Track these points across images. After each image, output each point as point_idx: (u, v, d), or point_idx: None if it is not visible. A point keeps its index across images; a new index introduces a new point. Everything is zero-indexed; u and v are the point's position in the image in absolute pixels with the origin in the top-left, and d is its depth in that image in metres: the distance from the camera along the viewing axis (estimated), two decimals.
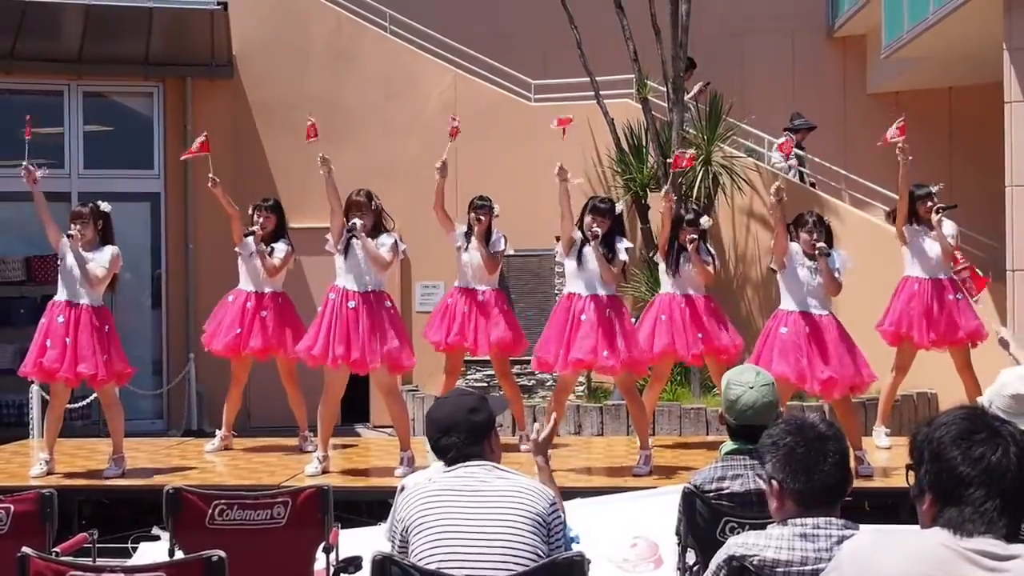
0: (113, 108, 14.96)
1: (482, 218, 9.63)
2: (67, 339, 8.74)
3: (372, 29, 15.03)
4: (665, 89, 13.30)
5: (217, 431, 10.49)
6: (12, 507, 5.33)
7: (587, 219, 8.74)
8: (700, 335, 9.58)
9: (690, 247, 9.56)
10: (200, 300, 14.10)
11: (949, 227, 9.49)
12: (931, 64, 14.03)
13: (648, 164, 13.47)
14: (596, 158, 14.16)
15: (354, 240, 8.73)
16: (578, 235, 8.81)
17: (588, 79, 13.65)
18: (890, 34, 13.94)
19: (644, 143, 13.66)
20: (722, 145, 13.46)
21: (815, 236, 8.49)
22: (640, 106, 13.55)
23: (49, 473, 8.94)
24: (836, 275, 8.43)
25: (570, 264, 8.84)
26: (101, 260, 8.86)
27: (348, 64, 14.74)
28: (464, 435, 4.04)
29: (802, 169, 14.35)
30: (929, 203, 9.41)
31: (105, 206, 9.08)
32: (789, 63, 16.28)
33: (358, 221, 8.61)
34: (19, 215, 14.62)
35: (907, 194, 9.39)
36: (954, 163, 15.07)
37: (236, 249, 10.01)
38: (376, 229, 8.77)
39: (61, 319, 8.80)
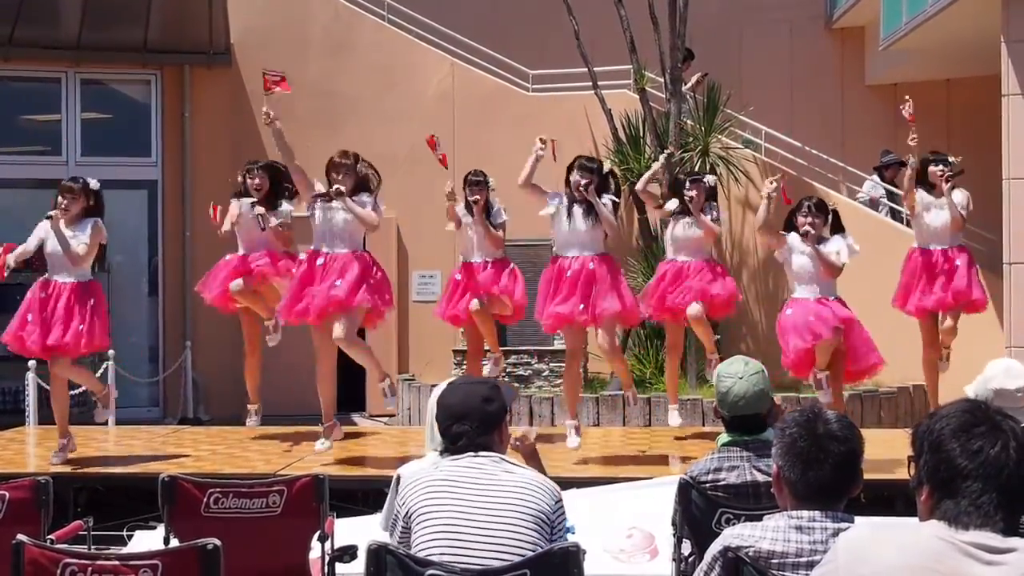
0: (111, 95, 14.94)
1: (478, 197, 9.63)
2: (43, 313, 8.71)
3: (370, 18, 15.01)
4: (663, 80, 13.29)
5: (250, 407, 10.17)
6: (7, 494, 5.32)
7: (574, 176, 8.74)
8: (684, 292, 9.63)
9: (693, 203, 9.56)
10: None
11: (959, 195, 9.47)
12: (929, 56, 14.02)
13: (645, 155, 13.45)
14: (593, 148, 14.14)
15: (320, 203, 8.63)
16: (555, 201, 8.85)
17: (586, 69, 13.64)
18: (888, 25, 13.93)
19: (642, 134, 13.65)
20: (720, 136, 13.45)
21: (809, 219, 8.48)
22: (638, 97, 13.54)
23: (67, 458, 8.90)
24: (833, 257, 8.41)
25: (559, 227, 8.85)
26: (82, 236, 8.77)
27: (346, 53, 14.72)
28: (477, 424, 4.00)
29: (893, 204, 14.13)
30: (941, 167, 9.40)
31: (94, 184, 8.96)
32: (787, 54, 16.26)
33: (341, 187, 8.53)
34: (14, 202, 14.60)
35: (912, 186, 9.42)
36: (951, 155, 15.05)
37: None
38: (356, 191, 8.67)
39: (43, 294, 8.77)
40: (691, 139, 13.21)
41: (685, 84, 13.59)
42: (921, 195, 9.51)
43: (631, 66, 13.60)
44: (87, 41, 14.03)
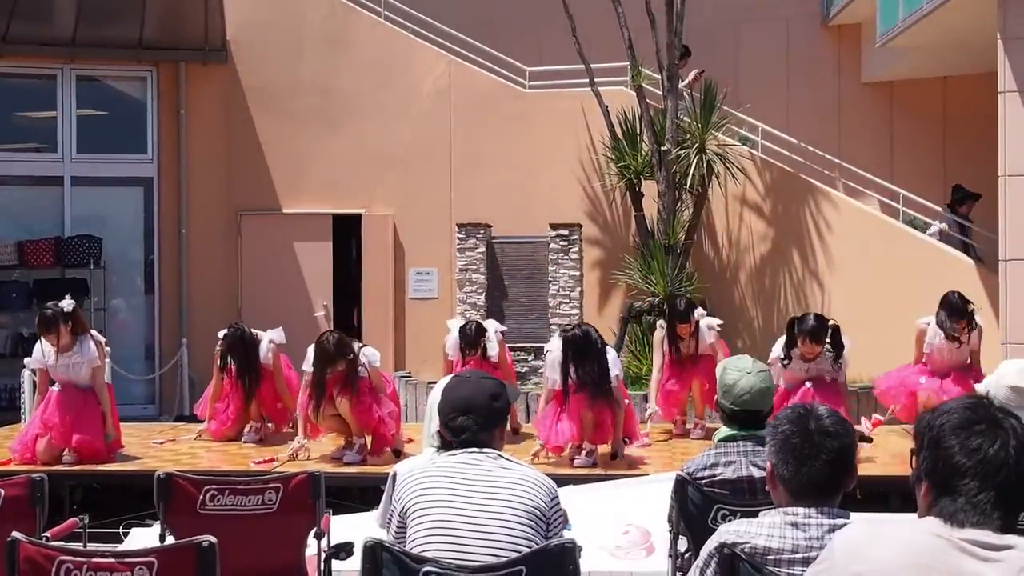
0: (106, 92, 14.91)
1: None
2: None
3: (366, 15, 14.98)
4: (660, 77, 13.28)
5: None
6: (2, 491, 5.31)
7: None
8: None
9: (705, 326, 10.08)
10: (193, 286, 14.09)
11: (975, 340, 9.43)
12: (926, 53, 14.00)
13: (642, 152, 13.45)
14: (590, 145, 14.14)
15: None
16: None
17: (583, 66, 13.62)
18: (885, 23, 13.92)
19: (639, 131, 13.63)
20: (716, 133, 13.43)
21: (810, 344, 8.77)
22: (635, 93, 13.52)
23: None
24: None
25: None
26: (90, 359, 8.90)
27: (342, 50, 14.70)
28: (481, 419, 4.00)
29: (964, 238, 13.61)
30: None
31: (67, 305, 8.86)
32: (784, 51, 16.24)
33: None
34: (10, 199, 14.58)
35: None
36: (948, 153, 15.06)
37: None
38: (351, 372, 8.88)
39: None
40: (688, 136, 13.20)
41: (682, 81, 13.58)
42: (937, 335, 9.44)
43: (628, 63, 13.58)
44: (82, 38, 14.00)
